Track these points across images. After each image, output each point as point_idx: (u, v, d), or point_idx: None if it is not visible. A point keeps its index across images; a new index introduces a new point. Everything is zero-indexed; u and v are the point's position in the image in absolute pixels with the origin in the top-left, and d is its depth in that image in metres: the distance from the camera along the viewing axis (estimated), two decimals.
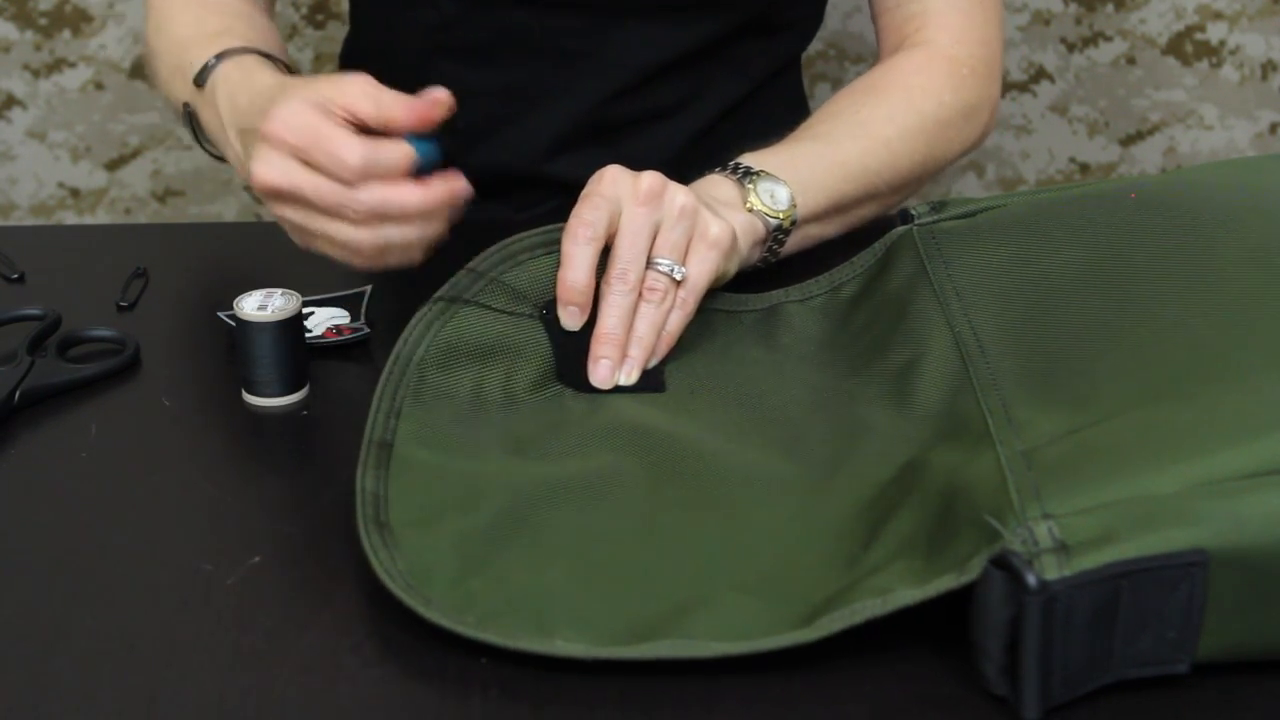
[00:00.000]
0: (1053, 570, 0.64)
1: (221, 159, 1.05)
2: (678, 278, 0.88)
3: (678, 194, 0.89)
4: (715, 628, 0.70)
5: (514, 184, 1.19)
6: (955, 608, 0.68)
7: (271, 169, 0.89)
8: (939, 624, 0.70)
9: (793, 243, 0.99)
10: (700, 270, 0.89)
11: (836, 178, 1.02)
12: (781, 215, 0.96)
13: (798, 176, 0.99)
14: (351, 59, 1.28)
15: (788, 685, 0.68)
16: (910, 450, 0.80)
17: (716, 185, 0.97)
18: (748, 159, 0.99)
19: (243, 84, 1.00)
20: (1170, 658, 0.67)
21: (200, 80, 1.03)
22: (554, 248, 0.89)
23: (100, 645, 0.72)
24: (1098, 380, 0.77)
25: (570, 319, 0.88)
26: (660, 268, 0.88)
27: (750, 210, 0.96)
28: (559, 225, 0.89)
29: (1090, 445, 0.71)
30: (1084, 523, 0.66)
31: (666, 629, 0.70)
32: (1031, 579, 0.64)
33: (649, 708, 0.68)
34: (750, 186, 0.96)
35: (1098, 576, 0.64)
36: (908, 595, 0.67)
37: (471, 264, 0.88)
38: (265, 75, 1.00)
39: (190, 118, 1.06)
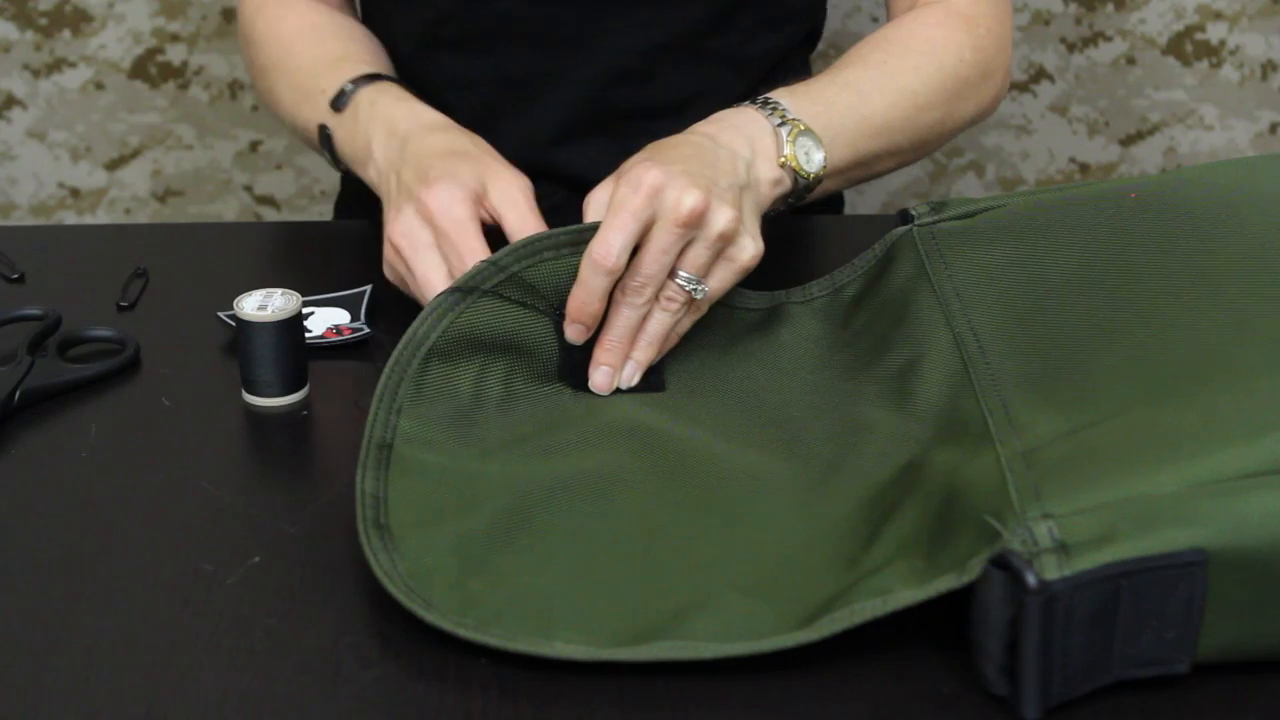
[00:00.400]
0: (1052, 570, 0.64)
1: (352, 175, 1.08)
2: (697, 297, 0.87)
3: (720, 217, 0.86)
4: (716, 628, 0.69)
5: None
6: (955, 607, 0.68)
7: (405, 233, 0.92)
8: (939, 624, 0.70)
9: (809, 197, 0.99)
10: (722, 286, 0.88)
11: (864, 134, 1.01)
12: (811, 176, 0.96)
13: (829, 130, 0.97)
14: None
15: (787, 685, 0.68)
16: (911, 451, 0.80)
17: (755, 124, 0.95)
18: (785, 101, 0.97)
19: (404, 114, 1.03)
20: (1170, 658, 0.67)
21: (338, 105, 1.07)
22: (580, 249, 0.86)
23: (100, 645, 0.72)
24: (1098, 380, 0.76)
25: (575, 335, 0.87)
26: (683, 283, 0.87)
27: (783, 165, 0.95)
28: (591, 225, 0.86)
29: (1090, 445, 0.71)
30: (1084, 523, 0.66)
31: (667, 630, 0.70)
32: (1031, 579, 0.64)
33: (649, 708, 0.68)
34: (790, 140, 0.95)
35: (1097, 576, 0.64)
36: (908, 595, 0.67)
37: (494, 256, 0.86)
38: (425, 111, 1.04)
39: (327, 139, 1.09)
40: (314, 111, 1.09)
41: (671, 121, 1.13)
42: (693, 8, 1.14)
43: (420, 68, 1.18)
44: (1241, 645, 0.68)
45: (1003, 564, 0.65)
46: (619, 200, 0.86)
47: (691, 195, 0.85)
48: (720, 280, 0.88)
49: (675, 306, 0.87)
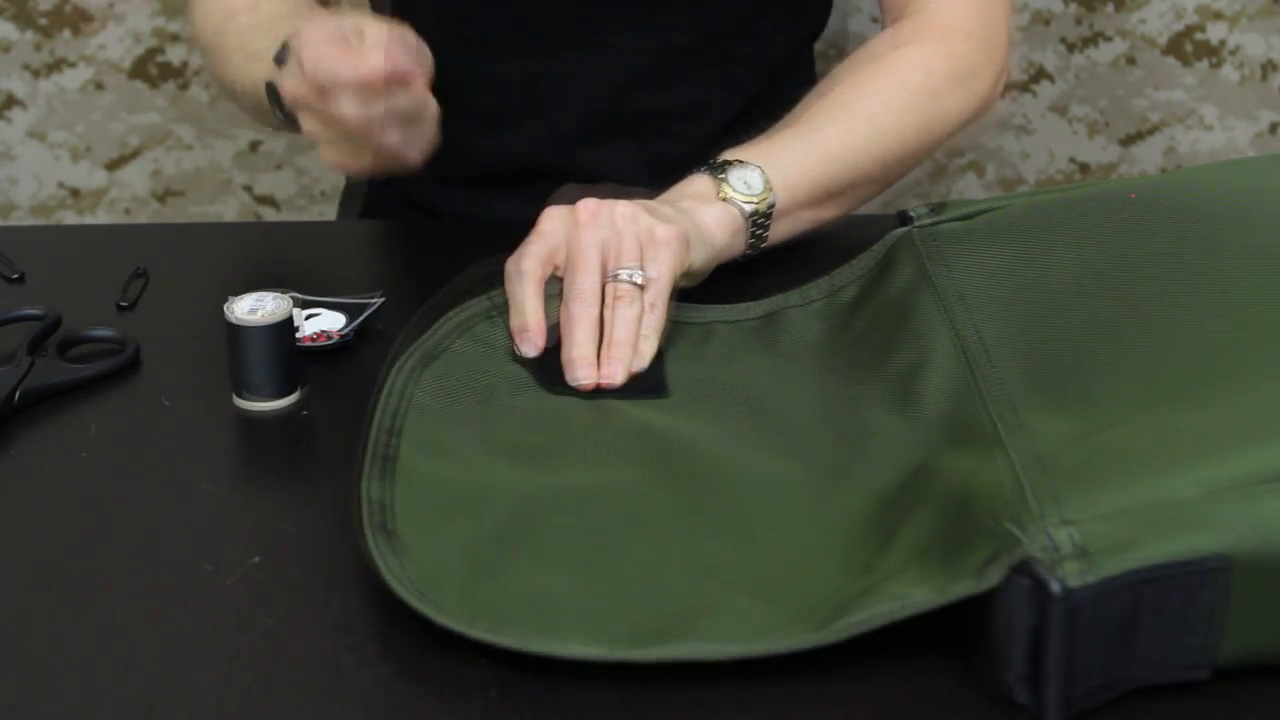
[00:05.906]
0: (1076, 577, 0.63)
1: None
2: (640, 282, 0.88)
3: (616, 206, 0.90)
4: (726, 631, 0.69)
5: (537, 176, 1.20)
6: (954, 608, 0.68)
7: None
8: (938, 624, 0.69)
9: (784, 228, 1.00)
10: (661, 270, 0.89)
11: (819, 160, 1.01)
12: (757, 200, 0.97)
13: (777, 163, 0.99)
14: None
15: (787, 686, 0.68)
16: (917, 455, 0.79)
17: (691, 182, 0.98)
18: (726, 154, 1.00)
19: None
20: (1192, 664, 0.66)
21: (281, 58, 1.04)
22: (496, 313, 0.91)
23: (100, 645, 0.71)
24: (1105, 382, 0.76)
25: (529, 347, 0.88)
26: (622, 277, 0.88)
27: (725, 200, 0.96)
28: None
29: (1105, 449, 0.70)
30: (1105, 528, 0.65)
31: (677, 633, 0.69)
32: (1055, 586, 0.63)
33: (649, 710, 0.67)
34: (722, 177, 0.97)
35: (1121, 583, 0.64)
36: (925, 601, 0.66)
37: (424, 336, 0.88)
38: None
39: (274, 96, 1.06)
40: (261, 69, 1.07)
41: (693, 122, 1.14)
42: (710, 12, 1.14)
43: (444, 64, 1.19)
44: (1260, 651, 0.67)
45: (1026, 570, 0.64)
46: (533, 233, 0.91)
47: (582, 201, 0.90)
48: (657, 264, 0.89)
49: (628, 300, 0.88)
